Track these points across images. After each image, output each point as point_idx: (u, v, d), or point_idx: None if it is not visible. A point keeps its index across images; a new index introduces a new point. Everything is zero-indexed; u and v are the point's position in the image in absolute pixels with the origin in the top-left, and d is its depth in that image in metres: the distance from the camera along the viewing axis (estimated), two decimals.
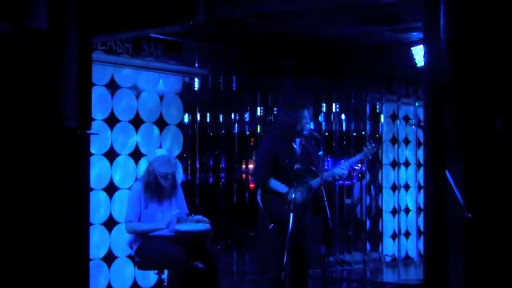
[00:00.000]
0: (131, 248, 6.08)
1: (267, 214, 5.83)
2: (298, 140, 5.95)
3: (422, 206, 9.37)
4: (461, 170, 4.68)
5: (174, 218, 5.92)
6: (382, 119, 9.62)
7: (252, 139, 9.63)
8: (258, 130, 9.26)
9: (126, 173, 6.94)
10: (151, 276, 6.64)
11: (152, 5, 5.61)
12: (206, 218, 6.07)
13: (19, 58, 4.41)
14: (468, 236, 4.65)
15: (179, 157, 7.31)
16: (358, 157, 6.02)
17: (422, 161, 9.19)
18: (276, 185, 5.81)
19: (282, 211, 5.63)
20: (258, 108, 9.34)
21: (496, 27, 4.74)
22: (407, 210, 9.94)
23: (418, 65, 7.91)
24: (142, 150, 7.02)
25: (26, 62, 4.42)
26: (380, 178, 9.61)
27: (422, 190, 9.41)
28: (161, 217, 5.99)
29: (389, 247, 9.66)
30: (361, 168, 10.18)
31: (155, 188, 5.99)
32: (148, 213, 6.00)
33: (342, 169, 5.92)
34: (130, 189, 6.47)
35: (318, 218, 5.95)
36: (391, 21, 7.23)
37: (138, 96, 7.07)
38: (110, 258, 6.82)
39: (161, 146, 7.10)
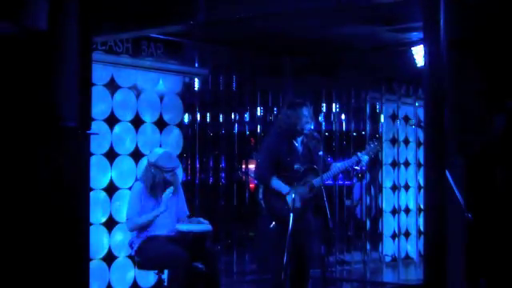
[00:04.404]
0: (131, 248, 6.08)
1: (269, 213, 5.81)
2: (299, 139, 5.92)
3: (422, 205, 9.37)
4: (461, 170, 4.68)
5: (168, 196, 5.93)
6: (382, 119, 9.62)
7: (252, 139, 9.61)
8: (258, 130, 9.25)
9: (126, 173, 6.93)
10: (151, 276, 6.64)
11: (152, 5, 5.62)
12: (206, 221, 6.08)
13: (19, 58, 4.40)
14: (468, 236, 4.65)
15: (179, 157, 7.31)
16: (358, 157, 5.97)
17: (422, 161, 9.19)
18: (277, 184, 5.77)
19: (284, 208, 5.62)
20: (258, 108, 9.32)
21: (496, 27, 4.74)
22: (407, 210, 9.94)
23: (418, 65, 7.92)
24: (142, 150, 7.01)
25: (25, 62, 4.42)
26: (380, 178, 9.60)
27: (421, 190, 9.40)
28: (163, 216, 5.99)
29: (389, 247, 9.66)
30: (361, 168, 10.17)
31: (157, 187, 6.00)
32: (150, 211, 5.99)
33: (339, 168, 5.90)
34: (130, 189, 6.47)
35: (318, 218, 5.94)
36: (391, 21, 7.23)
37: (138, 96, 7.07)
38: (110, 258, 6.82)
39: (161, 146, 7.10)
